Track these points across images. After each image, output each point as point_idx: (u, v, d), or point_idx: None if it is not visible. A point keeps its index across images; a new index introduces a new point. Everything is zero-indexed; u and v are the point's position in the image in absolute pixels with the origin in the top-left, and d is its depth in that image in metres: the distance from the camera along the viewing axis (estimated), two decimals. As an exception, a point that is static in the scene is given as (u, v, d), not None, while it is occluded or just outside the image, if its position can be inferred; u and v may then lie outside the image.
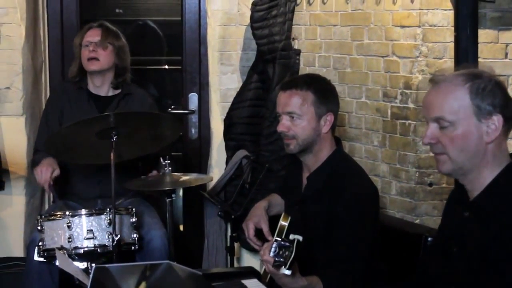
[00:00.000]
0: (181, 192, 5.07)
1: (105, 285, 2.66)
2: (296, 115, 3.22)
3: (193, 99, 5.22)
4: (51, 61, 5.21)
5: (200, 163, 5.19)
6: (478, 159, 2.38)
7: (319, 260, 3.07)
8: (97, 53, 4.29)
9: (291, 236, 2.61)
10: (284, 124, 3.25)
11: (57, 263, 3.45)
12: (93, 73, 4.34)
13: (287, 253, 2.60)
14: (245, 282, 2.99)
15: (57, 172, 4.10)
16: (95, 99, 4.38)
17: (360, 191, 3.15)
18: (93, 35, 4.35)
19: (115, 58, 4.34)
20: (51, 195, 4.66)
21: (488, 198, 2.37)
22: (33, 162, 4.36)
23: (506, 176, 2.38)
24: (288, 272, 2.62)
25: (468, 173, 2.40)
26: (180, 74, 5.28)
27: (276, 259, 2.62)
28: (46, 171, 4.06)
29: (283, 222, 3.25)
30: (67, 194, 4.38)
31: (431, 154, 3.82)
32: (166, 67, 5.67)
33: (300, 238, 2.59)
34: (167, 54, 5.68)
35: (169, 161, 3.92)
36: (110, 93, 4.41)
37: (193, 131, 5.24)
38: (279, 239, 2.64)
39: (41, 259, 3.74)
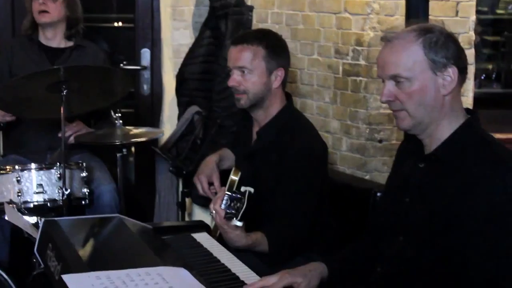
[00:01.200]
0: (132, 148, 5.05)
1: (54, 238, 2.66)
2: (247, 70, 3.22)
3: (145, 55, 5.19)
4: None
5: (152, 119, 5.17)
6: (436, 113, 2.40)
7: (265, 216, 3.10)
8: (47, 6, 4.25)
9: (243, 188, 2.62)
10: (235, 78, 3.25)
11: (6, 217, 3.42)
12: (44, 25, 4.31)
13: (238, 204, 2.62)
14: (195, 235, 3.00)
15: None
16: (46, 50, 4.34)
17: (308, 146, 3.17)
18: None
19: (65, 9, 4.30)
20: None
21: (446, 151, 2.41)
22: None
23: (464, 130, 2.41)
24: (240, 223, 2.64)
25: (427, 127, 2.43)
26: (133, 30, 5.23)
27: (228, 211, 2.64)
28: None
29: (234, 177, 3.26)
30: (16, 148, 4.33)
31: (382, 111, 3.90)
32: (120, 24, 5.60)
33: (252, 190, 2.61)
34: (119, 9, 5.61)
35: (120, 115, 3.90)
36: (62, 45, 4.36)
37: (145, 87, 5.21)
38: (230, 192, 2.66)
39: (-9, 213, 3.72)
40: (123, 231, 2.88)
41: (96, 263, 2.48)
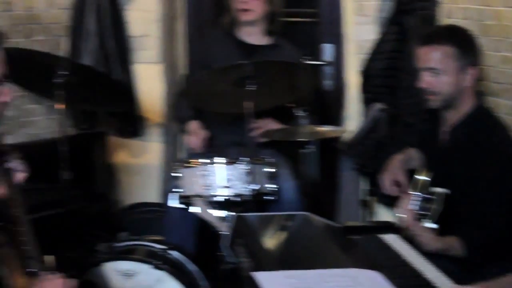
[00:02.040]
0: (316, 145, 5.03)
1: (245, 234, 2.67)
2: (437, 71, 3.12)
3: (328, 50, 5.14)
4: (187, 8, 5.23)
5: (335, 115, 5.12)
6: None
7: (460, 219, 2.99)
8: (248, 4, 4.27)
9: (438, 189, 2.53)
10: (426, 80, 3.16)
11: (195, 210, 3.48)
12: (245, 23, 4.33)
13: (430, 206, 2.53)
14: (383, 236, 2.92)
15: (204, 133, 4.19)
16: (244, 47, 4.37)
17: (504, 146, 3.04)
18: None
19: (266, 5, 4.31)
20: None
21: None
22: (179, 119, 4.43)
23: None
24: (434, 226, 2.54)
25: None
26: (315, 25, 5.20)
27: (419, 212, 2.56)
28: (196, 140, 4.17)
29: (422, 177, 3.15)
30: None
31: None
32: (300, 19, 5.59)
33: (448, 192, 2.51)
34: (301, 4, 5.60)
35: (305, 113, 3.88)
36: (260, 42, 4.38)
37: (328, 83, 5.17)
38: (420, 192, 2.57)
39: (180, 205, 3.79)
40: (311, 229, 2.87)
41: (285, 261, 2.48)
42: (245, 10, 4.28)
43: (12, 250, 2.37)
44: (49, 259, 2.56)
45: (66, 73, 3.72)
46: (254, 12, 4.28)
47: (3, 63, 2.30)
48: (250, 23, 4.33)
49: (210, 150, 4.24)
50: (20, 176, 2.66)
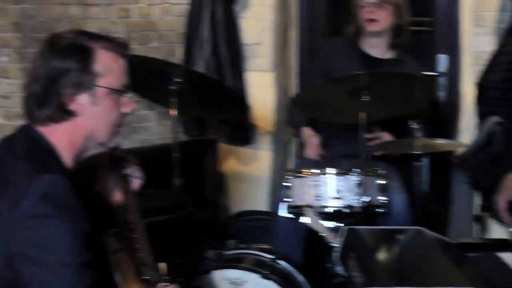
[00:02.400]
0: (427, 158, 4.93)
1: (357, 248, 2.62)
2: None
3: (443, 61, 5.02)
4: (300, 17, 5.22)
5: (449, 128, 5.00)
6: None
7: None
8: (376, 14, 4.21)
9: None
10: None
11: (305, 221, 3.45)
12: (371, 34, 4.28)
13: None
14: (501, 255, 2.81)
15: (317, 140, 4.17)
16: (366, 59, 4.31)
17: None
18: None
19: (394, 17, 4.25)
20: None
21: None
22: (292, 124, 4.41)
23: None
24: None
25: None
26: (430, 35, 5.10)
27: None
28: (313, 151, 4.15)
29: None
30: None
31: None
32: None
33: None
34: (415, 14, 5.49)
35: (420, 125, 3.79)
36: (383, 56, 4.31)
37: (442, 94, 5.05)
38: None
39: (289, 215, 3.76)
40: (423, 243, 2.79)
41: (399, 278, 2.41)
42: (373, 20, 4.21)
43: (127, 257, 2.38)
44: (162, 266, 2.57)
45: (180, 80, 3.75)
46: (381, 23, 4.21)
47: (126, 73, 2.31)
48: (376, 34, 4.26)
49: (323, 158, 4.19)
50: (136, 182, 2.69)
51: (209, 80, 4.24)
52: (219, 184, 5.04)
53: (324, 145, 4.28)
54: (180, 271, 3.47)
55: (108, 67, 2.23)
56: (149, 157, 4.46)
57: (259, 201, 4.96)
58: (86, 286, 2.02)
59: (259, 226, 4.75)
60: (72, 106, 2.20)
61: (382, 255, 2.70)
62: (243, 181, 5.06)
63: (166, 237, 3.76)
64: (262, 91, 4.95)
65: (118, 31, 4.43)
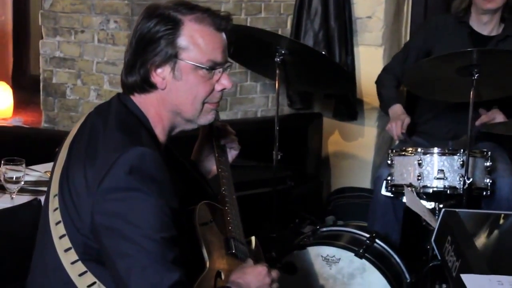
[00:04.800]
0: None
1: (454, 231, 2.51)
2: None
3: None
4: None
5: None
6: None
7: None
8: None
9: None
10: None
11: (404, 200, 3.36)
12: (486, 11, 4.11)
13: None
14: None
15: (407, 120, 4.01)
16: (474, 37, 4.12)
17: None
18: None
19: None
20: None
21: None
22: (380, 97, 4.30)
23: None
24: None
25: None
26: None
27: None
28: (397, 126, 3.98)
29: None
30: (416, 131, 4.26)
31: None
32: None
33: None
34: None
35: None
36: (492, 33, 4.12)
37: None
38: None
39: (388, 194, 3.68)
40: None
41: (497, 265, 2.30)
42: None
43: (217, 230, 2.34)
44: (253, 240, 2.53)
45: (285, 52, 3.70)
46: (498, 1, 4.03)
47: (220, 48, 2.21)
48: (491, 11, 4.07)
49: (405, 138, 4.07)
50: (232, 153, 2.65)
51: (316, 53, 4.16)
52: (322, 159, 4.99)
53: (428, 127, 4.17)
54: (275, 246, 3.46)
55: (194, 41, 2.13)
56: (251, 129, 4.48)
57: (362, 178, 4.89)
58: (168, 262, 1.98)
59: (359, 203, 4.69)
60: (155, 78, 2.13)
61: (480, 240, 2.58)
62: (347, 157, 5.00)
63: (263, 210, 3.75)
64: (371, 66, 4.85)
65: (227, 1, 4.41)
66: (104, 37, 4.41)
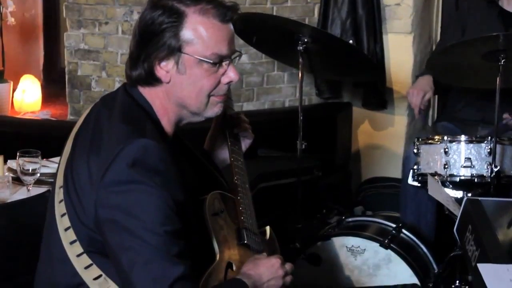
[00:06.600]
0: None
1: (475, 220, 2.44)
2: None
3: None
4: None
5: None
6: None
7: None
8: None
9: None
10: None
11: (431, 190, 3.29)
12: None
13: None
14: None
15: (429, 95, 3.91)
16: (506, 17, 4.03)
17: None
18: None
19: None
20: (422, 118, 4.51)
21: None
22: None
23: None
24: None
25: None
26: None
27: None
28: (418, 95, 3.89)
29: None
30: (450, 116, 4.17)
31: None
32: None
33: None
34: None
35: None
36: None
37: None
38: None
39: (415, 183, 3.59)
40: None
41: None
42: None
43: (229, 220, 2.30)
44: (267, 230, 2.49)
45: (309, 40, 3.64)
46: None
47: (226, 41, 2.15)
48: None
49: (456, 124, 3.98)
50: (246, 142, 2.60)
51: (342, 42, 4.10)
52: (351, 149, 4.92)
53: (458, 111, 4.08)
54: (299, 237, 3.41)
55: (198, 34, 2.08)
56: (278, 120, 4.43)
57: (392, 168, 4.82)
58: (172, 255, 1.94)
59: (390, 193, 4.61)
60: (160, 72, 2.09)
61: (502, 229, 2.51)
62: (377, 147, 4.94)
63: (289, 201, 3.70)
64: (400, 53, 4.79)
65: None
66: (128, 28, 4.40)
